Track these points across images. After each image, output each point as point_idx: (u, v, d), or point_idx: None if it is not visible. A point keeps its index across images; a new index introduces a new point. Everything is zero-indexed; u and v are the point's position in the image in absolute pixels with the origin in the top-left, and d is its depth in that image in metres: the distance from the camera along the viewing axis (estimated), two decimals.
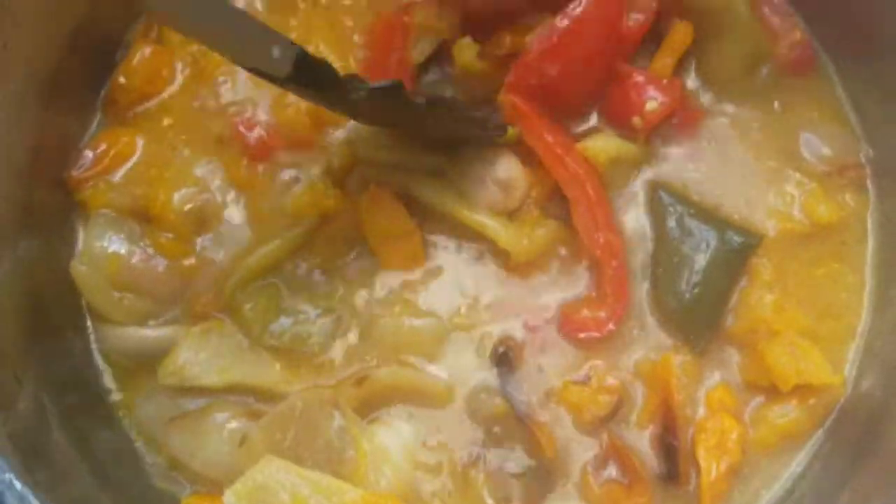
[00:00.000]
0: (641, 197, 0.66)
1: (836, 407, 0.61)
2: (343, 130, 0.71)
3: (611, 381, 0.62)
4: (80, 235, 0.71)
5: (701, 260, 0.60)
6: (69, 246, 0.71)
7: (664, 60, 0.66)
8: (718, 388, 0.59)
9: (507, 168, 0.70)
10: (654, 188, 0.63)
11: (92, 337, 0.70)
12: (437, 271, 0.68)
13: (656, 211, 0.61)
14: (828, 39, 0.66)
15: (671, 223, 0.61)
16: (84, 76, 0.71)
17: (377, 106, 0.64)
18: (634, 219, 0.65)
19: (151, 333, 0.70)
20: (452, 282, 0.68)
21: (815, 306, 0.63)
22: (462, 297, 0.68)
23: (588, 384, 0.61)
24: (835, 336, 0.63)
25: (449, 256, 0.67)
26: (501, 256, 0.67)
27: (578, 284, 0.65)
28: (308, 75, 0.56)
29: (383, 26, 0.70)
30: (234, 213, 0.71)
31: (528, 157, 0.69)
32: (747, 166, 0.65)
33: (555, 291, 0.66)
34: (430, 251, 0.67)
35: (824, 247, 0.64)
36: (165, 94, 0.72)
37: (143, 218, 0.70)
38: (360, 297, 0.68)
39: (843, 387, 0.61)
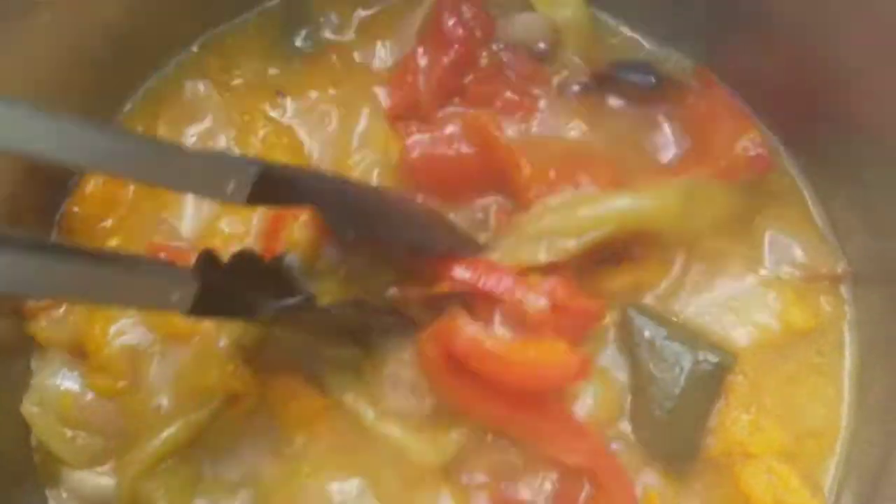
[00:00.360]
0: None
1: None
2: None
3: None
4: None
5: (674, 385, 0.59)
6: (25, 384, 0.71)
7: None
8: None
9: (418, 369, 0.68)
10: (623, 308, 0.61)
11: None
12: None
13: (627, 335, 0.60)
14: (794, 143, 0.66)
15: (643, 348, 0.59)
16: (38, 205, 0.71)
17: (287, 318, 0.64)
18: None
19: (106, 482, 0.69)
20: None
21: (793, 424, 0.63)
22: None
23: None
24: (814, 454, 0.63)
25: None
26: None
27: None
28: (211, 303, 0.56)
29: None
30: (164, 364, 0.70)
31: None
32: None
33: None
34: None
35: (801, 358, 0.63)
36: (119, 216, 0.71)
37: (80, 353, 0.70)
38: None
39: None
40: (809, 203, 0.66)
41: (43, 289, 0.54)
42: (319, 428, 0.66)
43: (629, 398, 0.64)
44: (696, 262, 0.64)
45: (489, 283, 0.62)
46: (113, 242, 0.73)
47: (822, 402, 0.63)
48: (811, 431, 0.63)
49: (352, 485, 0.66)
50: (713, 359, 0.60)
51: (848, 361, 0.64)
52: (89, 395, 0.70)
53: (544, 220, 0.62)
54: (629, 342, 0.60)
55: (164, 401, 0.68)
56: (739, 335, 0.63)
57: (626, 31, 0.73)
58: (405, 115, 0.71)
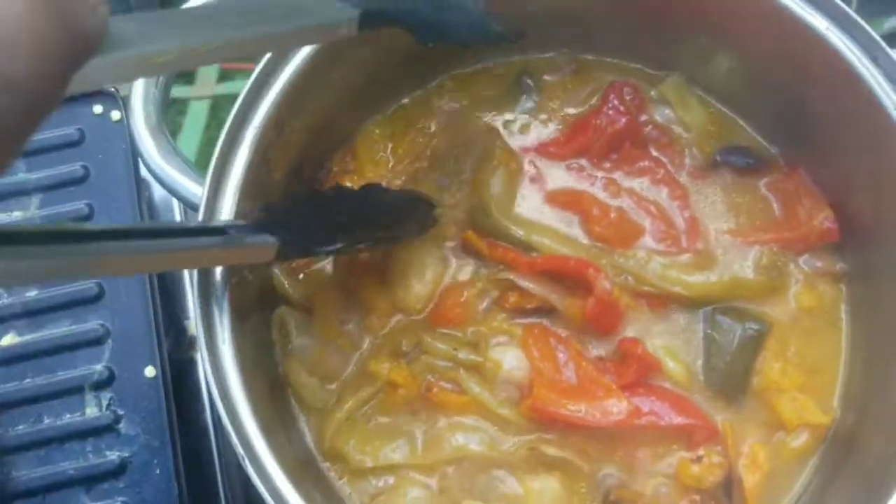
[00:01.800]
0: None
1: (827, 435, 0.80)
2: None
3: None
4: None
5: (729, 346, 0.79)
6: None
7: None
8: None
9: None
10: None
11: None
12: None
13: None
14: None
15: (706, 324, 0.79)
16: (315, 157, 0.84)
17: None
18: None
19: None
20: None
21: (807, 368, 0.81)
22: None
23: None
24: (823, 387, 0.81)
25: None
26: None
27: None
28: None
29: None
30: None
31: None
32: None
33: None
34: None
35: (811, 325, 0.82)
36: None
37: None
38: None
39: (832, 422, 0.80)
40: None
41: (146, 267, 0.60)
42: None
43: (699, 360, 0.80)
44: None
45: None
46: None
47: (829, 354, 0.82)
48: (820, 372, 0.81)
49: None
50: (755, 326, 0.79)
51: (844, 329, 0.83)
52: (330, 346, 0.78)
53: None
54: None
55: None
56: (773, 309, 0.82)
57: (740, 121, 0.87)
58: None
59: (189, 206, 0.72)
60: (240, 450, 0.63)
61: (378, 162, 0.85)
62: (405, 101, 0.88)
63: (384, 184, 0.79)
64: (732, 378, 0.79)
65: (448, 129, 0.86)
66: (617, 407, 0.73)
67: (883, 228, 0.77)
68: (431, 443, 0.77)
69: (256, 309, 0.74)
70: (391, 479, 0.76)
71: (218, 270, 0.65)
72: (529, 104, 0.87)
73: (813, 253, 0.83)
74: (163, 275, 0.84)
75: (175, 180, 0.72)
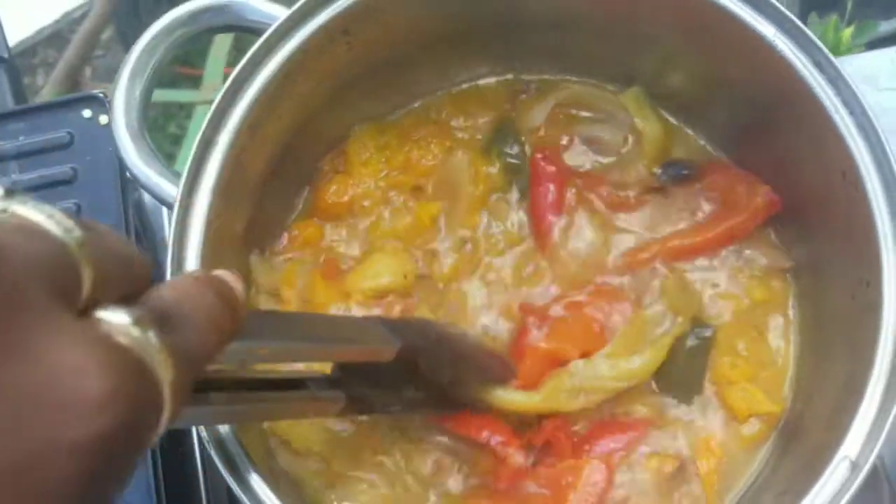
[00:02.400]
0: None
1: (778, 423, 0.84)
2: None
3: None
4: None
5: (681, 350, 0.81)
6: None
7: None
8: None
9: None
10: None
11: None
12: None
13: None
14: None
15: None
16: (301, 158, 0.87)
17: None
18: None
19: None
20: None
21: (757, 361, 0.84)
22: None
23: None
24: (773, 378, 0.85)
25: None
26: None
27: None
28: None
29: None
30: None
31: None
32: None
33: None
34: None
35: (761, 319, 0.86)
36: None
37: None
38: None
39: (782, 410, 0.83)
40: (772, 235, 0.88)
41: (227, 419, 0.62)
42: None
43: None
44: None
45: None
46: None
47: (777, 348, 0.86)
48: (769, 365, 0.85)
49: None
50: (703, 334, 0.82)
51: (792, 321, 0.86)
52: None
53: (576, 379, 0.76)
54: None
55: None
56: (721, 307, 0.85)
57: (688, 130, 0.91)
58: None
59: (166, 205, 0.76)
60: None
61: (368, 163, 0.89)
62: (399, 112, 0.92)
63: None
64: (685, 384, 0.83)
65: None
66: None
67: (824, 222, 0.81)
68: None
69: None
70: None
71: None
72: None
73: (759, 249, 0.88)
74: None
75: (153, 181, 0.77)
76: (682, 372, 0.81)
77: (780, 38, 0.75)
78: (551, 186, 0.85)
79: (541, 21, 0.87)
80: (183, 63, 1.17)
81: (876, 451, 0.67)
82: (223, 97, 0.76)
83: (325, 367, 0.63)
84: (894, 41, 1.10)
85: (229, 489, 0.65)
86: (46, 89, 1.22)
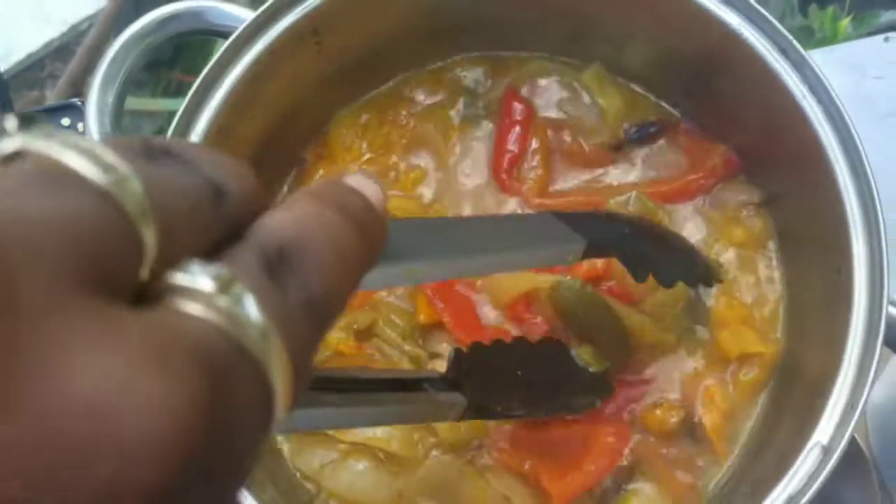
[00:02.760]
0: None
1: (775, 366, 0.83)
2: None
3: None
4: None
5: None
6: None
7: None
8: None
9: None
10: None
11: None
12: None
13: None
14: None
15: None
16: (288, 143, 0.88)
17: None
18: None
19: None
20: None
21: (748, 301, 0.84)
22: None
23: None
24: (765, 319, 0.85)
25: None
26: None
27: None
28: None
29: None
30: None
31: None
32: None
33: None
34: None
35: (747, 260, 0.86)
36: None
37: None
38: None
39: (776, 351, 0.83)
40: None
41: (340, 424, 0.59)
42: None
43: None
44: None
45: None
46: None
47: (766, 287, 0.85)
48: (761, 303, 0.85)
49: None
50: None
51: (774, 259, 0.86)
52: None
53: None
54: None
55: None
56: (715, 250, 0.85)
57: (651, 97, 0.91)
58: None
59: None
60: None
61: (351, 148, 0.89)
62: (379, 89, 0.93)
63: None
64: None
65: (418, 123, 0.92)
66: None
67: (799, 210, 0.83)
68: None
69: None
70: (334, 454, 0.78)
71: None
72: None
73: (728, 187, 0.88)
74: None
75: None
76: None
77: (745, 27, 0.75)
78: (517, 128, 0.87)
79: (505, 11, 0.88)
80: (183, 71, 1.19)
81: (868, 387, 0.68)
82: (190, 101, 0.77)
83: (440, 367, 0.58)
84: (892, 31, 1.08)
85: None
86: (50, 100, 1.25)
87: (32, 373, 0.18)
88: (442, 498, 0.78)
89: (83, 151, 0.21)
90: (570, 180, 0.90)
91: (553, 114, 0.92)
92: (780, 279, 0.87)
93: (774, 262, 0.88)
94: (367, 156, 0.91)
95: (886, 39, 1.04)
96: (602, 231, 0.55)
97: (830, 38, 1.20)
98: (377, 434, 0.74)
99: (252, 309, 0.23)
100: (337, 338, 0.78)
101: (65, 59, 1.62)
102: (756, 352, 0.83)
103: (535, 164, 0.89)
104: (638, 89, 0.93)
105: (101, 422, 0.19)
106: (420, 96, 0.93)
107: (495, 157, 0.88)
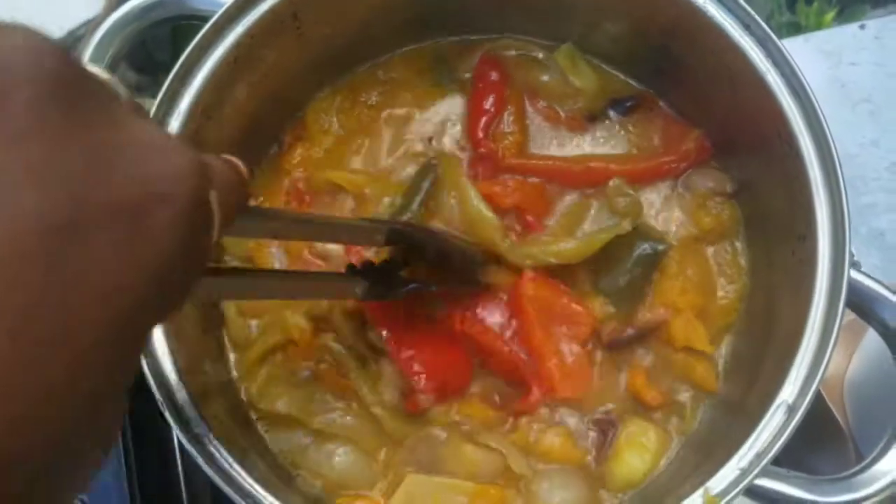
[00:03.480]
0: None
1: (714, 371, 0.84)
2: None
3: None
4: None
5: (627, 262, 0.83)
6: None
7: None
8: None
9: None
10: None
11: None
12: None
13: None
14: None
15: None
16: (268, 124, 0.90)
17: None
18: None
19: None
20: None
21: (706, 290, 0.85)
22: None
23: None
24: (719, 310, 0.85)
25: None
26: None
27: None
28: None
29: None
30: None
31: None
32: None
33: None
34: None
35: (711, 246, 0.87)
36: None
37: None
38: None
39: (715, 350, 0.84)
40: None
41: (257, 294, 0.68)
42: None
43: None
44: None
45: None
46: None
47: (726, 276, 0.86)
48: (718, 294, 0.86)
49: None
50: (660, 247, 0.83)
51: (740, 249, 0.87)
52: None
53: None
54: None
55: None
56: (672, 232, 0.86)
57: (622, 76, 0.92)
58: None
59: None
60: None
61: (328, 130, 0.90)
62: (355, 73, 0.93)
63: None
64: (628, 290, 0.85)
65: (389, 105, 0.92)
66: None
67: (765, 180, 0.84)
68: (318, 409, 0.80)
69: None
70: (310, 438, 0.80)
71: None
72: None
73: (701, 172, 0.89)
74: None
75: None
76: (627, 276, 0.83)
77: (709, 4, 0.77)
78: (493, 93, 0.88)
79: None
80: None
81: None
82: (171, 82, 0.78)
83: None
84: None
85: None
86: None
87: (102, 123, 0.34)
88: (429, 465, 0.80)
89: None
90: (545, 146, 0.92)
91: (528, 81, 0.91)
92: (745, 270, 0.89)
93: (740, 251, 0.89)
94: (340, 133, 0.90)
95: (862, 27, 1.04)
96: (400, 226, 0.70)
97: (813, 29, 1.21)
98: (336, 422, 0.79)
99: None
100: (294, 322, 0.80)
101: None
102: (700, 349, 0.82)
103: (511, 126, 0.90)
104: (608, 68, 0.95)
105: (146, 157, 0.34)
106: (394, 75, 0.94)
107: (470, 116, 0.88)
